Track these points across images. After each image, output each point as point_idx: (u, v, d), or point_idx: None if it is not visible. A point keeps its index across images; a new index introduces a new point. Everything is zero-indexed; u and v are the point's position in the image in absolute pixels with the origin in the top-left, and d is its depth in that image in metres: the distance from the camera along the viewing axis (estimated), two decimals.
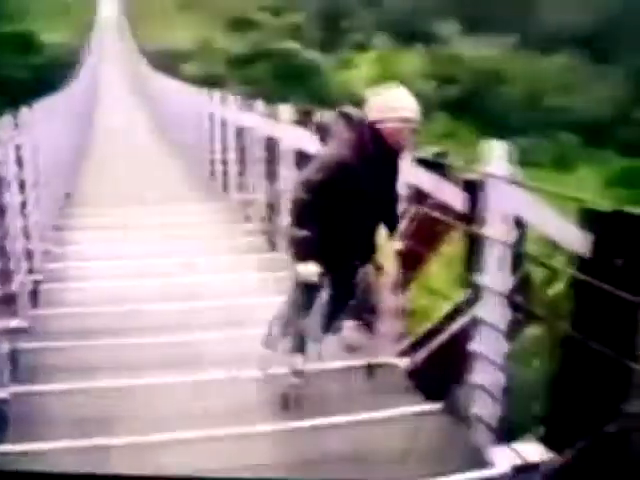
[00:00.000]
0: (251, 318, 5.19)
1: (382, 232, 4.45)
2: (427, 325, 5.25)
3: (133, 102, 29.83)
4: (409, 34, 41.68)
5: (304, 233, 4.01)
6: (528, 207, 3.89)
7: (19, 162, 6.68)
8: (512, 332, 4.35)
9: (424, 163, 5.13)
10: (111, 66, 42.72)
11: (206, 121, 13.15)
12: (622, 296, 3.32)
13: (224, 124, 11.46)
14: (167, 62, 33.45)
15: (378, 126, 4.07)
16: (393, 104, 4.09)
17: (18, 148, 6.74)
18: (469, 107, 33.51)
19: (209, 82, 32.26)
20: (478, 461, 3.78)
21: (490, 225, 4.01)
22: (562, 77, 37.72)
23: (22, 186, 6.71)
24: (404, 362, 4.96)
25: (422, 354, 4.97)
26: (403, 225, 5.68)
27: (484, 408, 3.98)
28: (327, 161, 4.09)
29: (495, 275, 3.99)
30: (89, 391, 4.40)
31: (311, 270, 4.05)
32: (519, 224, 4.06)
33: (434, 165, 5.00)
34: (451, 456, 3.84)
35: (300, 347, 4.42)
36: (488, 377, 3.97)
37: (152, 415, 4.14)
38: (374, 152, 4.08)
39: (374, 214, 4.25)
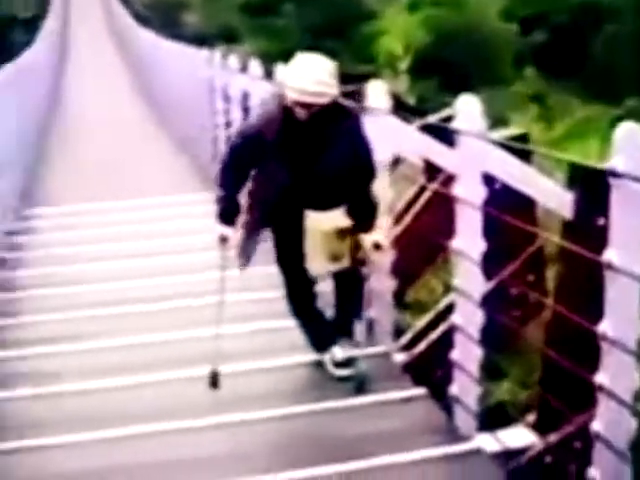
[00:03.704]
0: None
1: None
2: (428, 317, 6.44)
3: (112, 68, 31.36)
4: None
5: (222, 194, 5.45)
6: (501, 165, 4.88)
7: None
8: None
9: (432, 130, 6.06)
10: (82, 26, 44.50)
11: (206, 89, 14.09)
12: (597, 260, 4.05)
13: (227, 93, 12.42)
14: (164, 14, 34.68)
15: (284, 94, 5.19)
16: (291, 72, 5.15)
17: None
18: (563, 58, 33.47)
19: (219, 37, 33.41)
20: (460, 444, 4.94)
21: (460, 185, 5.04)
22: None
23: None
24: (401, 355, 6.16)
25: (420, 347, 6.14)
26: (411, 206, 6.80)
27: (463, 388, 5.10)
28: (242, 128, 5.76)
29: (467, 240, 4.98)
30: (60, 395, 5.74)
31: (225, 232, 5.44)
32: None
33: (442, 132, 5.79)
34: (433, 440, 5.02)
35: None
36: (466, 352, 5.06)
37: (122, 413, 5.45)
38: (283, 121, 5.20)
39: (304, 191, 5.30)
